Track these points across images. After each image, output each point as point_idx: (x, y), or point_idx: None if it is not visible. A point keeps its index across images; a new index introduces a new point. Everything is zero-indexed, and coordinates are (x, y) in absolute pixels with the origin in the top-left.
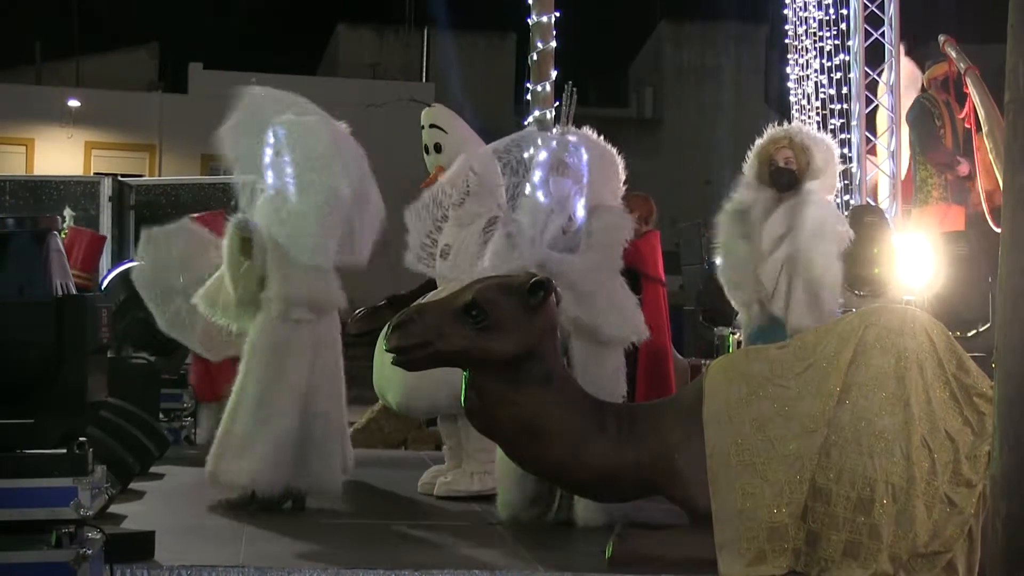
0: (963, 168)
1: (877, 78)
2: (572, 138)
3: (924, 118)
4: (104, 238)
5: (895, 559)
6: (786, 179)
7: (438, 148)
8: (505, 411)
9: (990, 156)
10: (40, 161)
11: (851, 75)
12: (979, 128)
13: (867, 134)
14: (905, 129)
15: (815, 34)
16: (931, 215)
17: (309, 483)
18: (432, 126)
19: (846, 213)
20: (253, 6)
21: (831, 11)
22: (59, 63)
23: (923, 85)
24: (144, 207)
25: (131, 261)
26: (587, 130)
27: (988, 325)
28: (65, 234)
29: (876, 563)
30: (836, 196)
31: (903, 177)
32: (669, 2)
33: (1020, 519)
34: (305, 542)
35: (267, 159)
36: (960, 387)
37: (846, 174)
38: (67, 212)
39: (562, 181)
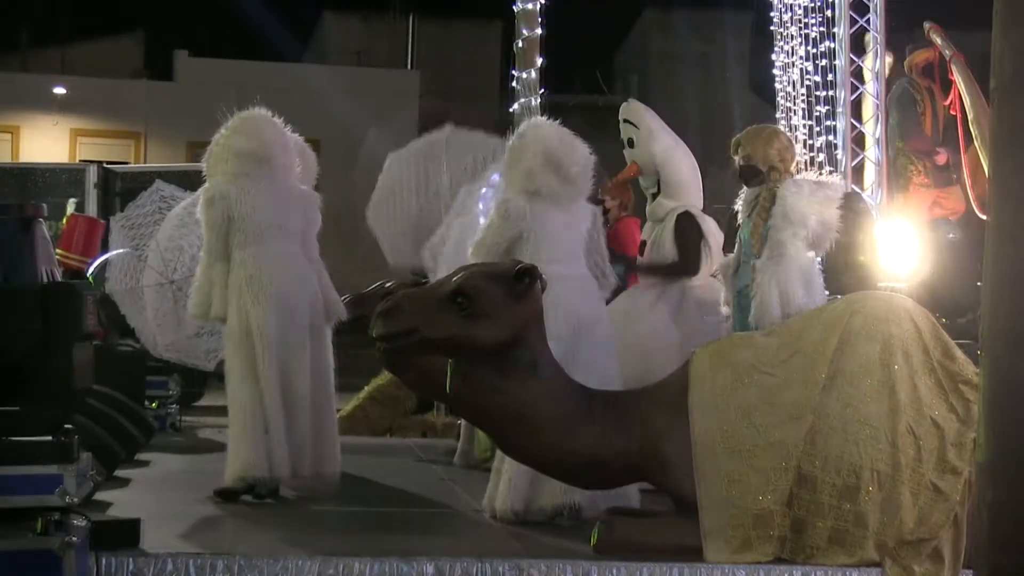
0: (941, 157)
1: (863, 65)
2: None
3: (906, 103)
4: (101, 223)
5: (881, 546)
6: (748, 173)
7: (631, 143)
8: (491, 398)
9: (976, 143)
10: (26, 148)
11: (836, 62)
12: (965, 115)
13: (853, 121)
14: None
15: (800, 21)
16: (917, 201)
17: (309, 472)
18: (625, 121)
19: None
20: None
21: None
22: (45, 50)
23: (905, 70)
24: (130, 194)
25: (120, 249)
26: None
27: (974, 314)
28: (66, 221)
29: (862, 550)
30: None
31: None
32: None
33: (1006, 506)
34: (291, 530)
35: None
36: (946, 374)
37: (832, 161)
38: (71, 200)
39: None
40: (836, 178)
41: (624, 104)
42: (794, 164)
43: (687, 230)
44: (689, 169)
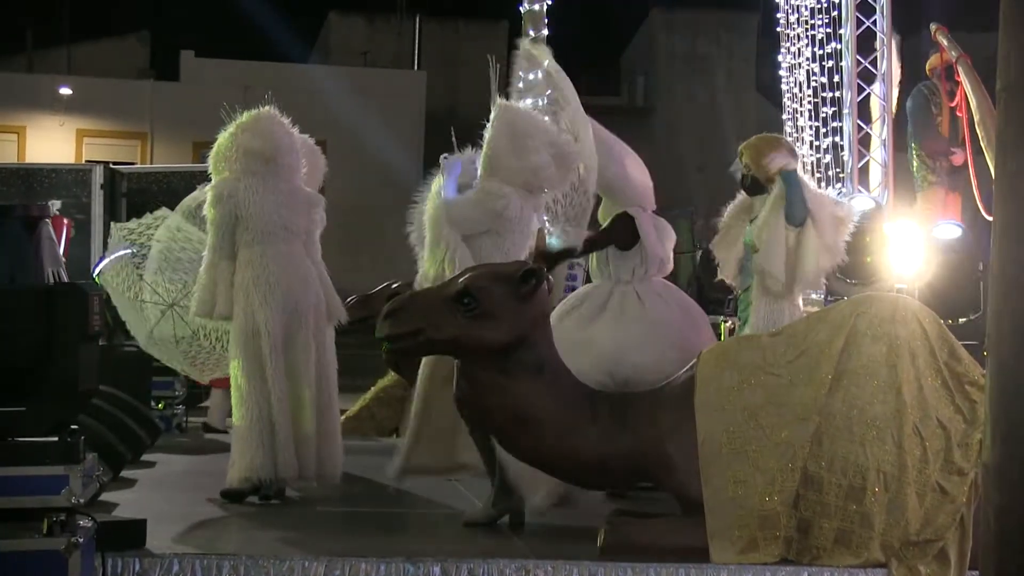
0: (957, 158)
1: (869, 67)
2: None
3: (922, 106)
4: (64, 220)
5: (887, 547)
6: (749, 184)
7: None
8: (496, 399)
9: (982, 144)
10: (32, 149)
11: (843, 63)
12: (971, 117)
13: (859, 122)
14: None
15: (807, 22)
16: (932, 202)
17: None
18: None
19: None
20: None
21: None
22: (50, 50)
23: (928, 73)
24: (136, 195)
25: (125, 249)
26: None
27: (978, 313)
28: None
29: (868, 551)
30: (825, 184)
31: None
32: None
33: (1011, 507)
34: (297, 530)
35: None
36: (952, 375)
37: (838, 162)
38: (53, 202)
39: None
40: (849, 201)
41: None
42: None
43: None
44: None
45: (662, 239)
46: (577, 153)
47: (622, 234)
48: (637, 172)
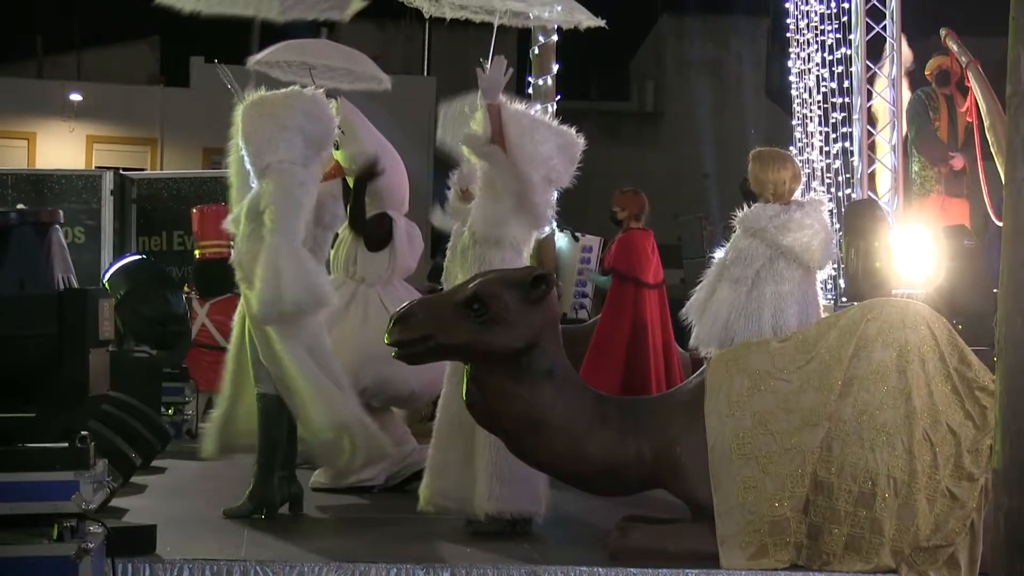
0: (957, 162)
1: (879, 72)
2: None
3: (919, 111)
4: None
5: (897, 553)
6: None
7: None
8: (506, 405)
9: (992, 150)
10: (42, 155)
11: (852, 69)
12: (981, 122)
13: (868, 128)
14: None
15: (816, 27)
16: (930, 208)
17: None
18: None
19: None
20: None
21: (832, 4)
22: (60, 56)
23: (926, 76)
24: (146, 201)
25: (133, 255)
26: None
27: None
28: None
29: (878, 557)
30: (833, 190)
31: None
32: None
33: (1022, 512)
34: (307, 536)
35: None
36: (962, 380)
37: (848, 167)
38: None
39: None
40: (818, 195)
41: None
42: (798, 193)
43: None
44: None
45: (412, 247)
46: (580, 143)
47: (376, 233)
48: (401, 175)
